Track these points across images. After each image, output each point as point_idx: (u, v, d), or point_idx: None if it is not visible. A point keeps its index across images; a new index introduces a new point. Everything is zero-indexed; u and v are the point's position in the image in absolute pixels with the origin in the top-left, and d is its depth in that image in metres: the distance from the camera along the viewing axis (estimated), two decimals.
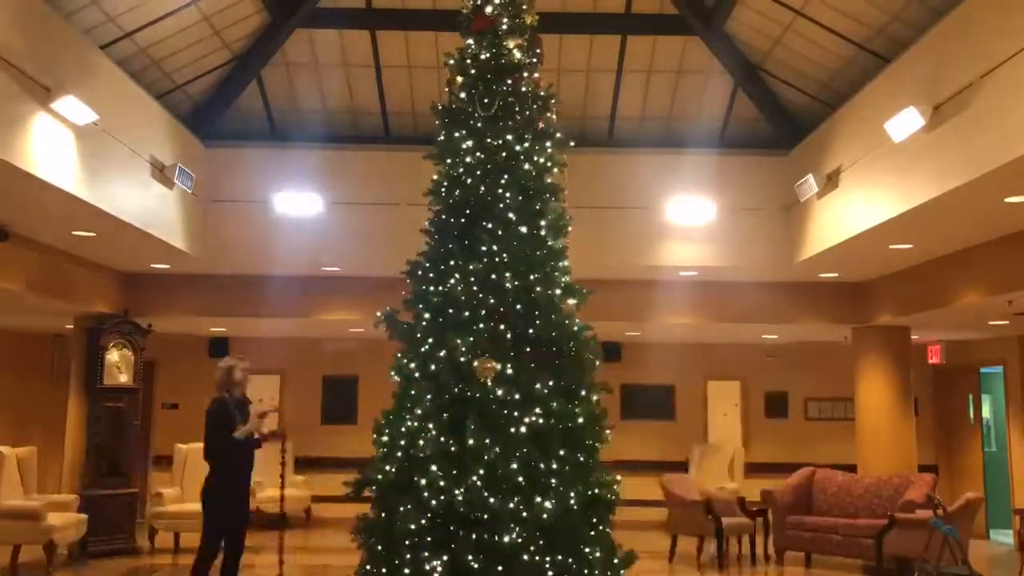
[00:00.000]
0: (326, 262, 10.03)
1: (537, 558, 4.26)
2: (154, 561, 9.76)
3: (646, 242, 9.67)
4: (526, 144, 5.02)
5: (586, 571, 4.38)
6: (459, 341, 4.62)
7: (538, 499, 4.32)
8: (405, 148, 9.46)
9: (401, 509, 4.41)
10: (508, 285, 4.68)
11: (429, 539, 4.32)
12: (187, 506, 10.31)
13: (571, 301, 5.04)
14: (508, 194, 4.89)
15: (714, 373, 14.00)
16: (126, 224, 7.78)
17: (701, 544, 10.22)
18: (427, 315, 4.78)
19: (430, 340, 4.74)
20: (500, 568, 4.24)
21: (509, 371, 4.54)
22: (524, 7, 5.29)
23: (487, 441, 4.38)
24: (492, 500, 4.27)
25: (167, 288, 10.65)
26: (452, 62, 5.24)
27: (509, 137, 4.96)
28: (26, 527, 8.60)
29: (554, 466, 4.43)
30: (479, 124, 5.01)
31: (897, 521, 8.74)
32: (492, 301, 4.61)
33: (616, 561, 4.70)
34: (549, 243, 5.03)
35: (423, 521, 4.35)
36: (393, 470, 4.56)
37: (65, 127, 6.58)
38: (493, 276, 4.69)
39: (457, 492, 4.36)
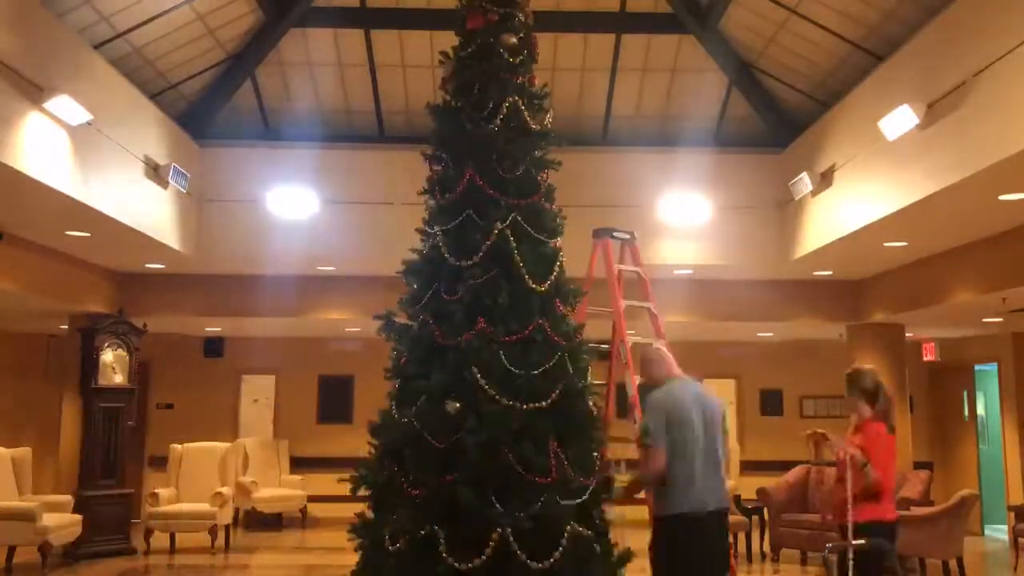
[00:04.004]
0: (321, 261, 10.02)
1: (533, 559, 4.25)
2: (149, 562, 9.73)
3: (640, 241, 9.63)
4: (520, 143, 5.01)
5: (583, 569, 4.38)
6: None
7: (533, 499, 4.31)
8: (399, 147, 9.45)
9: (397, 508, 4.41)
10: (502, 284, 4.67)
11: (424, 538, 4.32)
12: (183, 506, 10.30)
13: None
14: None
15: (709, 371, 13.97)
16: (120, 224, 7.77)
17: None
18: (422, 315, 4.77)
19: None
20: (496, 567, 4.23)
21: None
22: (519, 5, 5.28)
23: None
24: (487, 500, 4.27)
25: (162, 288, 10.63)
26: (446, 61, 5.23)
27: (503, 136, 4.95)
28: (21, 528, 8.58)
29: (552, 462, 4.42)
30: (473, 123, 4.99)
31: None
32: (487, 301, 4.60)
33: (613, 559, 4.70)
34: (543, 243, 5.02)
35: (418, 520, 4.34)
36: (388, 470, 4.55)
37: (59, 127, 6.56)
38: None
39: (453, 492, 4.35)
